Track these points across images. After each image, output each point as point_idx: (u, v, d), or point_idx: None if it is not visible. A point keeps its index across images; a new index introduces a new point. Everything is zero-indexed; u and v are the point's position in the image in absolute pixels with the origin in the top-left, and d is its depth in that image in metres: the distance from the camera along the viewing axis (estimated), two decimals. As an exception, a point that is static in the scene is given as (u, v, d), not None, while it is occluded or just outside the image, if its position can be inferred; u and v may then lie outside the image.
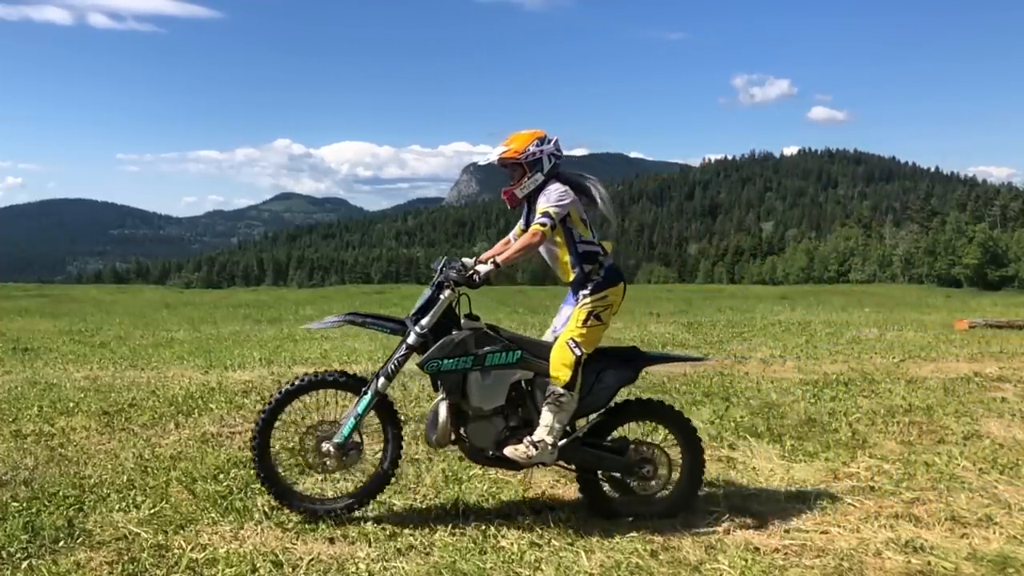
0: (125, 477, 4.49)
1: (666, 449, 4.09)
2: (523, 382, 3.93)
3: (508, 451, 3.80)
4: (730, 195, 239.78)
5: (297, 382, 3.90)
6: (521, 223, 4.16)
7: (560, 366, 3.79)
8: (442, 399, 3.84)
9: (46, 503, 4.01)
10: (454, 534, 3.67)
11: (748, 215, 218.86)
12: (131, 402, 6.59)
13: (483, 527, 3.74)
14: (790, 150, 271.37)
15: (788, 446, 5.34)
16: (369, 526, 3.76)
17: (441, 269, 3.88)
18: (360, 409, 3.85)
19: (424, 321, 3.81)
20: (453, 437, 3.89)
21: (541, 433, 3.79)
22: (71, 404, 6.45)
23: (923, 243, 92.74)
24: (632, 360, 4.06)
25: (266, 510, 3.99)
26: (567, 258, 3.95)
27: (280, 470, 4.07)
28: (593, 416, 4.09)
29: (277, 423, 3.92)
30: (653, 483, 4.02)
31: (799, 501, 4.22)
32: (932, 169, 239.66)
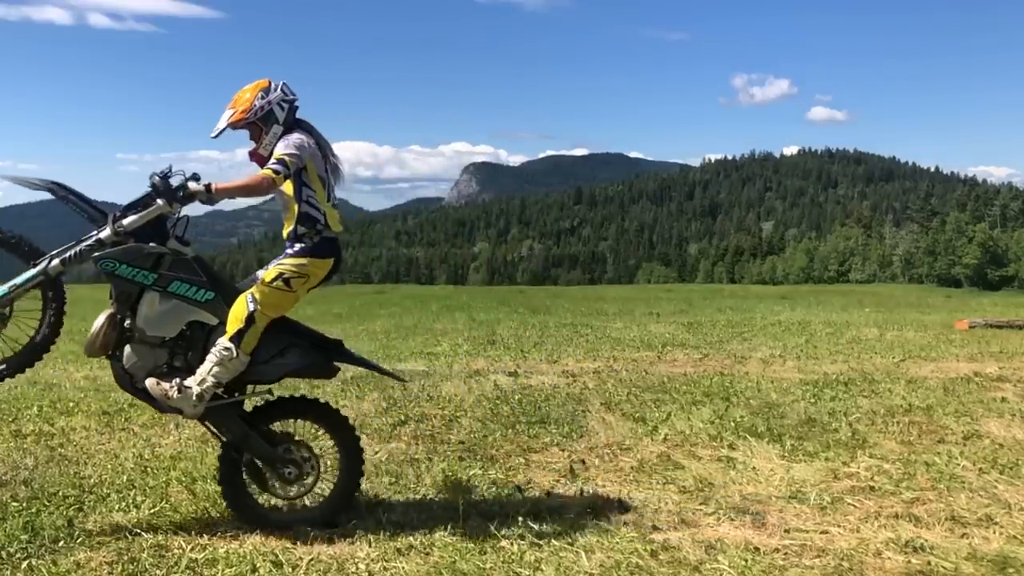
0: (125, 477, 4.49)
1: (326, 462, 3.93)
2: (208, 328, 3.64)
3: (149, 383, 3.54)
4: (730, 195, 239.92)
5: None
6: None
7: (233, 318, 3.56)
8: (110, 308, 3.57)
9: (46, 503, 4.01)
10: (454, 534, 3.66)
11: (748, 215, 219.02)
12: (131, 402, 6.58)
13: (483, 527, 3.74)
14: (790, 150, 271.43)
15: (788, 446, 5.33)
16: (369, 526, 3.76)
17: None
18: (19, 280, 3.50)
19: (126, 221, 3.48)
20: (109, 352, 3.59)
21: (192, 380, 3.56)
22: (71, 404, 6.46)
23: (923, 243, 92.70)
24: (327, 351, 3.81)
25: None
26: (289, 212, 3.71)
27: None
28: (263, 390, 3.84)
29: None
30: (292, 488, 3.79)
31: (799, 501, 4.22)
32: (932, 169, 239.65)
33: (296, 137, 3.65)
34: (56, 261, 3.53)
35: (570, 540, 3.62)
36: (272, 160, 3.55)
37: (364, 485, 4.43)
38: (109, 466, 4.71)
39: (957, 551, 3.54)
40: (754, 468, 4.85)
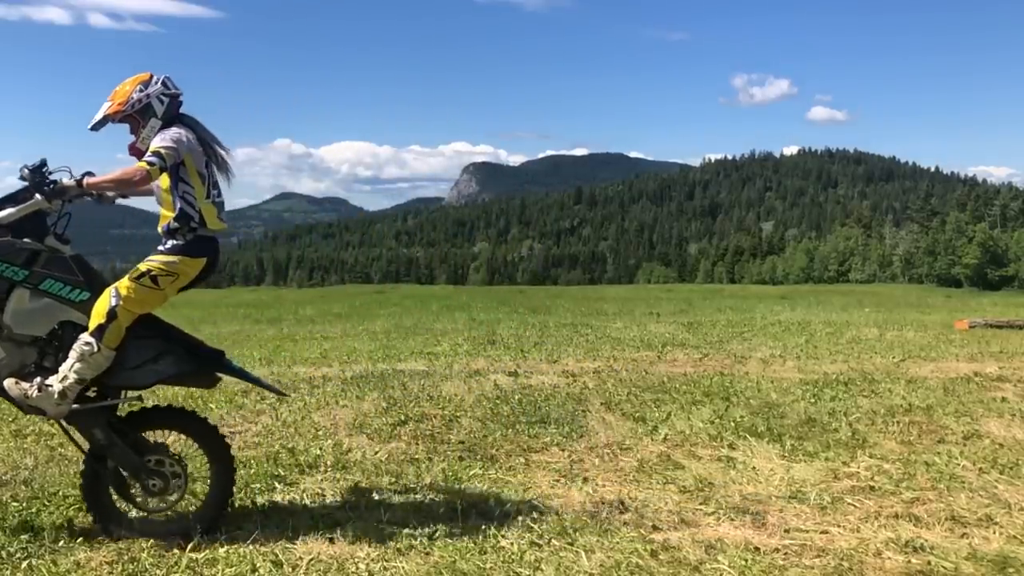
0: (125, 477, 4.49)
1: (197, 480, 3.84)
2: (80, 328, 3.49)
3: (7, 382, 3.40)
4: (730, 195, 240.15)
5: None
6: None
7: (95, 313, 3.44)
8: None
9: (46, 503, 4.01)
10: (454, 534, 3.67)
11: (748, 215, 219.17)
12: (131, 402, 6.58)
13: (483, 527, 3.74)
14: (790, 150, 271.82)
15: (788, 446, 5.33)
16: (369, 526, 3.76)
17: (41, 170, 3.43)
18: None
19: (1, 214, 3.38)
20: None
21: (54, 379, 3.42)
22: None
23: (923, 243, 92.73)
24: (205, 360, 3.68)
25: (266, 510, 3.99)
26: (165, 208, 3.61)
27: None
28: (134, 395, 3.74)
29: None
30: (156, 500, 3.65)
31: (799, 501, 4.22)
32: (932, 169, 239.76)
33: (174, 131, 3.56)
34: None
35: (570, 540, 3.62)
36: (148, 153, 3.45)
37: (364, 484, 4.45)
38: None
39: (957, 551, 3.54)
40: (754, 468, 4.85)
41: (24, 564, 3.27)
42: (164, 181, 3.59)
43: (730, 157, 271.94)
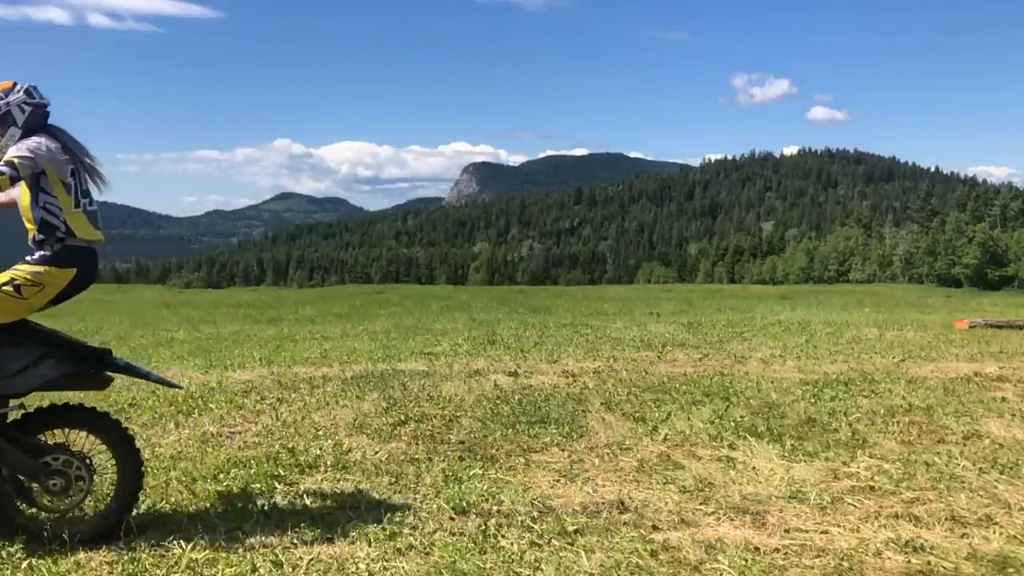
0: (125, 477, 4.49)
1: (102, 473, 3.79)
2: None
3: None
4: (730, 195, 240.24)
5: None
6: None
7: None
8: None
9: (46, 503, 4.00)
10: (454, 534, 3.66)
11: (748, 215, 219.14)
12: (131, 402, 6.59)
13: (483, 527, 3.74)
14: (790, 150, 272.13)
15: (788, 446, 5.33)
16: (369, 526, 3.76)
17: None
18: None
19: None
20: None
21: None
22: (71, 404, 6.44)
23: (923, 243, 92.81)
24: (87, 360, 3.63)
25: (266, 510, 3.99)
26: (27, 220, 3.54)
27: None
28: (17, 403, 3.65)
29: None
30: (62, 500, 3.57)
31: (799, 501, 4.22)
32: (932, 169, 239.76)
33: (33, 141, 3.47)
34: None
35: (570, 540, 3.62)
36: (2, 162, 3.38)
37: (364, 485, 4.45)
38: (109, 466, 4.71)
39: (957, 551, 3.54)
40: (754, 468, 4.85)
41: (24, 564, 3.27)
42: (24, 193, 3.54)
43: (730, 157, 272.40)
